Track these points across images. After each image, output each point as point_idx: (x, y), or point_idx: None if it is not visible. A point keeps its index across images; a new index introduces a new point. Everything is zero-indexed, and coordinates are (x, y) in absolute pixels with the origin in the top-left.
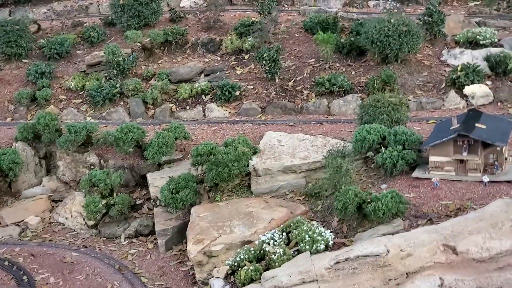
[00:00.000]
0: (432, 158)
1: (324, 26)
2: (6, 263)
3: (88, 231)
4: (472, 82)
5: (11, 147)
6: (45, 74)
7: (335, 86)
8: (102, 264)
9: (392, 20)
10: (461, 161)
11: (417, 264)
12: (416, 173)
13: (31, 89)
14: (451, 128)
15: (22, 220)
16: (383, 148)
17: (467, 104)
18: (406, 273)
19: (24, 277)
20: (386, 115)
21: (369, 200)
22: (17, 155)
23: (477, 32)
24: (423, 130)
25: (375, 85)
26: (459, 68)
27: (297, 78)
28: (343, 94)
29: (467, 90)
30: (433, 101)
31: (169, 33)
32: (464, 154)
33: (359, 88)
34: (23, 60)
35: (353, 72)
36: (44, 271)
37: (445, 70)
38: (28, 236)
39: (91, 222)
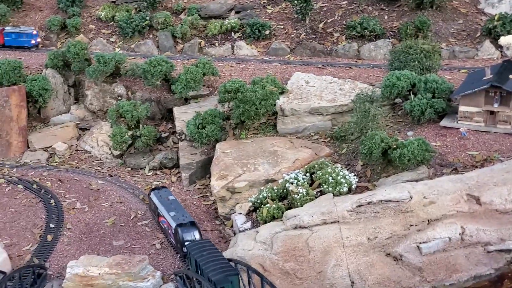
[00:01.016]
0: (462, 108)
1: None
2: (35, 186)
3: (114, 161)
4: (509, 33)
5: (41, 73)
6: (76, 2)
7: (366, 30)
8: (126, 193)
9: None
10: (491, 112)
11: (439, 212)
12: (444, 122)
13: (62, 17)
14: (484, 78)
15: (50, 146)
16: (412, 95)
17: (502, 55)
18: (428, 220)
19: (52, 201)
20: (417, 62)
21: (395, 146)
22: (47, 82)
23: None
24: (454, 79)
25: (408, 31)
26: (496, 17)
27: (328, 20)
28: (374, 39)
29: (503, 40)
30: (466, 50)
31: None
32: (495, 105)
33: (391, 33)
34: None
35: (386, 17)
36: (71, 196)
37: (481, 19)
38: (55, 162)
39: (117, 152)
